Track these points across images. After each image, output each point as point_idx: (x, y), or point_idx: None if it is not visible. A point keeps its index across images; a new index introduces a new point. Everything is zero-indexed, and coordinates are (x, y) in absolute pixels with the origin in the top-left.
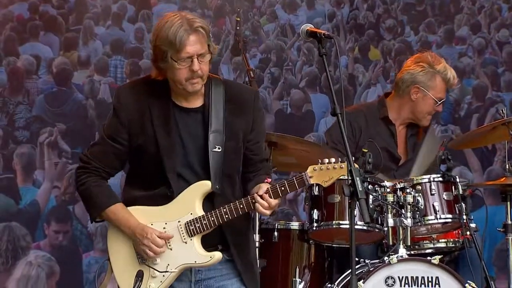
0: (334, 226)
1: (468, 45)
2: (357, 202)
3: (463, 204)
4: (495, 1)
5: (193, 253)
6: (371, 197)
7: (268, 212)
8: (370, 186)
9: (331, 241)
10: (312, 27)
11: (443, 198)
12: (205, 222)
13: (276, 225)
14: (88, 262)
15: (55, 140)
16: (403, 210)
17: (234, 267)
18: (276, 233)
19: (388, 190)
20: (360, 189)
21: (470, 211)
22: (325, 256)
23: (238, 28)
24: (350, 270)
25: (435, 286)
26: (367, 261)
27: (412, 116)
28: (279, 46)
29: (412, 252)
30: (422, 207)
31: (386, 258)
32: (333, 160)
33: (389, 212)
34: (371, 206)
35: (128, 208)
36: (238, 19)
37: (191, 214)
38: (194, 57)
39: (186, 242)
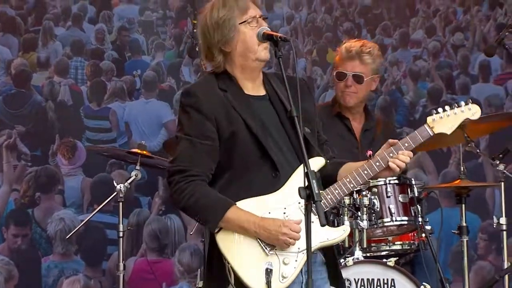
0: None
1: (423, 48)
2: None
3: (419, 207)
4: (450, 5)
5: (324, 230)
6: None
7: (403, 166)
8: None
9: None
10: (269, 30)
11: (399, 201)
12: (329, 196)
13: None
14: (48, 266)
15: (14, 143)
16: (359, 212)
17: (328, 271)
18: None
19: None
20: (316, 191)
21: (426, 213)
22: None
23: (194, 30)
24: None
25: None
26: None
27: (338, 99)
28: None
29: (368, 254)
30: (378, 209)
31: (342, 260)
32: (448, 107)
33: (345, 214)
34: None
35: (240, 202)
36: (195, 21)
37: None
38: (258, 17)
39: (313, 221)
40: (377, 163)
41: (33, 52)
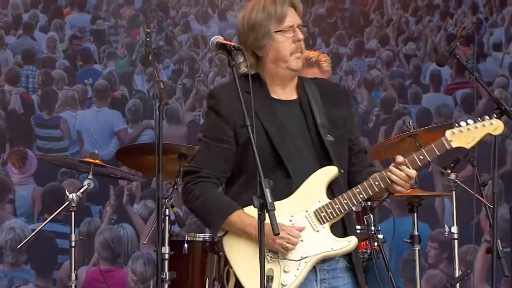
0: None
1: (377, 57)
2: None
3: (371, 215)
4: (403, 15)
5: (328, 240)
6: None
7: (407, 185)
8: None
9: None
10: (222, 39)
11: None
12: (337, 206)
13: (186, 237)
14: None
15: None
16: None
17: (354, 276)
18: (186, 245)
19: None
20: (270, 200)
21: (378, 222)
22: None
23: (148, 39)
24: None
25: None
26: None
27: None
28: (191, 57)
29: None
30: None
31: None
32: (471, 121)
33: None
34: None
35: (249, 207)
36: (148, 30)
37: (319, 201)
38: (296, 26)
39: (318, 231)
40: (388, 173)
41: None
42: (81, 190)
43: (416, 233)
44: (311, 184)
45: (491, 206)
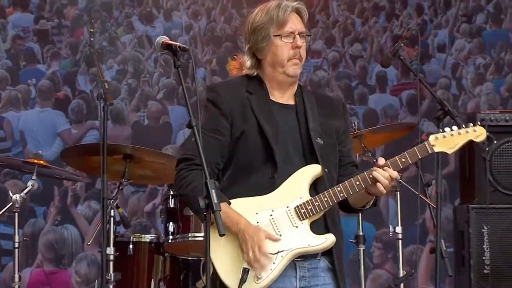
0: (190, 239)
1: (323, 58)
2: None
3: None
4: (349, 16)
5: (306, 236)
6: None
7: (389, 185)
8: None
9: (187, 253)
10: (167, 39)
11: None
12: (317, 203)
13: (131, 238)
14: None
15: None
16: None
17: (334, 277)
18: (131, 246)
19: None
20: (216, 201)
21: None
22: (180, 268)
23: (92, 39)
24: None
25: None
26: None
27: None
28: (136, 57)
29: None
30: None
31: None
32: (455, 127)
33: None
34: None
35: (230, 201)
36: (92, 30)
37: (301, 198)
38: (296, 33)
39: (297, 226)
40: (370, 176)
41: None
42: (25, 191)
43: (361, 233)
44: (294, 181)
45: (435, 207)
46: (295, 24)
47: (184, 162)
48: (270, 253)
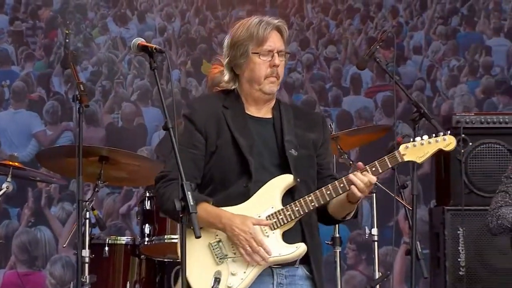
0: (166, 241)
1: (297, 60)
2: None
3: None
4: (323, 18)
5: (277, 245)
6: None
7: (367, 191)
8: None
9: (163, 255)
10: (143, 41)
11: None
12: (288, 212)
13: (107, 240)
14: None
15: None
16: None
17: (314, 286)
18: (106, 248)
19: None
20: (192, 203)
21: None
22: (156, 271)
23: (67, 40)
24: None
25: None
26: None
27: None
28: (110, 59)
29: None
30: None
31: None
32: (426, 136)
33: None
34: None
35: None
36: (67, 31)
37: (272, 207)
38: (275, 51)
39: (268, 236)
40: (341, 185)
41: None
42: (0, 193)
43: (337, 235)
44: (266, 190)
45: (410, 208)
46: (274, 42)
47: (160, 180)
48: (242, 262)
